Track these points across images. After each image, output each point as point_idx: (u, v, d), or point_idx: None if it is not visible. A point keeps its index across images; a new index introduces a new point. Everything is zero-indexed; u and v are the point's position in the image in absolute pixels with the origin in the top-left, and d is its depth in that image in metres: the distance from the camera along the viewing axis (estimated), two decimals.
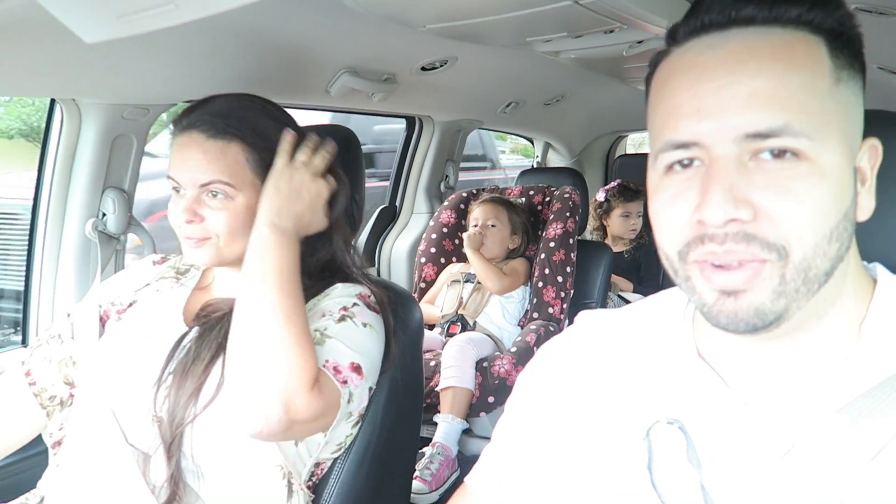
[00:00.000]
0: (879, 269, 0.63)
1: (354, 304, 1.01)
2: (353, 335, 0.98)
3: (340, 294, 1.02)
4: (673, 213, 0.56)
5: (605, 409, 0.66)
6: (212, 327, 0.99)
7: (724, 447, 0.59)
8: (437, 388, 1.95)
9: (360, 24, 1.33)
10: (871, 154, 0.60)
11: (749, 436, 0.58)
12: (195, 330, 1.00)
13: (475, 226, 2.33)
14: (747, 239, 0.52)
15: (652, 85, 0.61)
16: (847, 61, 0.56)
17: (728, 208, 0.52)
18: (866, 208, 0.59)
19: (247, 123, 1.01)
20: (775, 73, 0.53)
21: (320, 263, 1.07)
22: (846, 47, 0.56)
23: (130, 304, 1.12)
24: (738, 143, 0.53)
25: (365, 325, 1.00)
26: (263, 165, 1.01)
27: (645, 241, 2.86)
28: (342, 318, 0.98)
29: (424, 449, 1.85)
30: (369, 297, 1.04)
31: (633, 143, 4.13)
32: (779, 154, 0.52)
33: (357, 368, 0.96)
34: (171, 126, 1.04)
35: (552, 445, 0.69)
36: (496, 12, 1.11)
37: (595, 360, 0.70)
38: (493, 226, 2.31)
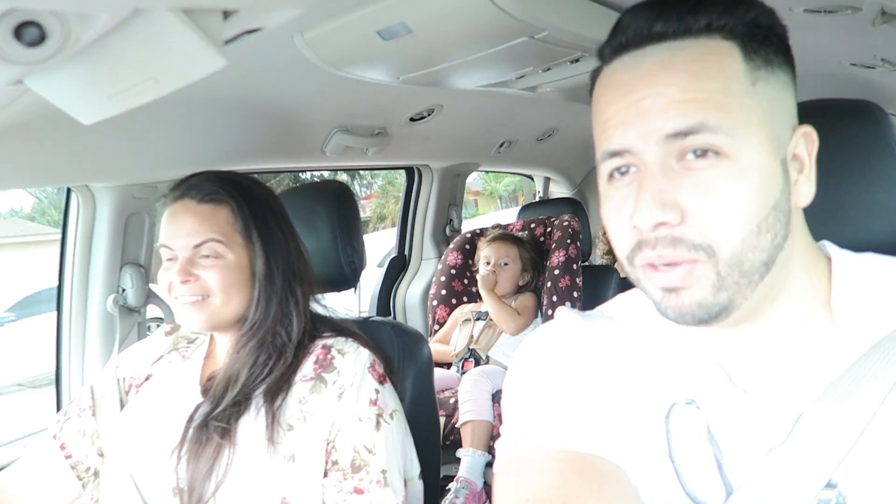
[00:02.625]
0: (829, 247, 0.67)
1: (376, 391, 1.04)
2: (393, 443, 1.03)
3: (352, 371, 1.04)
4: (617, 223, 0.61)
5: (610, 394, 0.66)
6: (217, 402, 1.03)
7: (728, 431, 0.61)
8: (457, 425, 1.98)
9: (344, 85, 1.42)
10: (806, 141, 0.62)
11: (751, 422, 0.60)
12: (205, 406, 1.04)
13: (487, 264, 2.36)
14: (674, 243, 0.57)
15: (592, 99, 0.66)
16: (764, 61, 0.59)
17: (655, 213, 0.56)
18: (806, 194, 0.62)
19: (235, 187, 1.10)
20: (689, 83, 0.57)
21: (299, 328, 1.09)
22: (762, 47, 0.59)
23: (147, 378, 1.17)
24: (661, 144, 0.57)
25: (392, 414, 1.05)
26: (250, 225, 1.08)
27: None
28: (378, 423, 1.02)
29: (450, 485, 1.86)
30: (375, 364, 1.07)
31: None
32: (702, 154, 0.56)
33: (404, 483, 1.04)
34: (164, 199, 1.12)
35: (561, 428, 0.66)
36: (461, 56, 1.20)
37: (590, 348, 0.70)
38: (505, 264, 2.33)
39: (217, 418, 1.00)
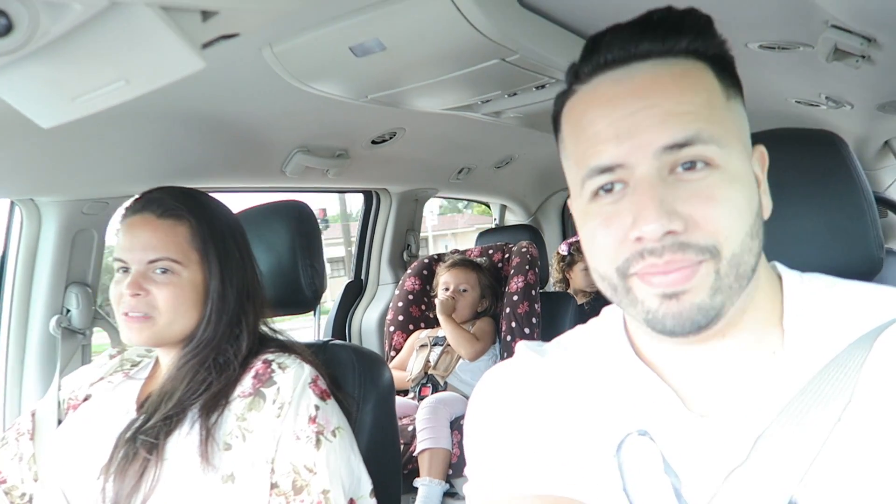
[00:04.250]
0: (780, 267, 0.69)
1: (317, 407, 1.01)
2: (336, 462, 0.99)
3: (291, 386, 1.01)
4: (608, 236, 0.60)
5: (566, 431, 0.66)
6: (148, 417, 1.00)
7: (686, 457, 0.61)
8: (415, 454, 1.94)
9: (309, 103, 1.40)
10: (760, 159, 0.66)
11: (708, 446, 0.61)
12: (138, 421, 1.01)
13: (446, 289, 2.35)
14: (683, 248, 0.57)
15: (564, 121, 0.66)
16: (730, 81, 0.63)
17: (663, 221, 0.56)
18: (767, 208, 0.65)
19: (196, 203, 1.09)
20: (680, 96, 0.59)
21: (246, 347, 1.08)
22: (726, 70, 0.63)
23: (86, 399, 1.14)
24: (657, 156, 0.57)
25: (335, 431, 1.02)
26: (208, 244, 1.07)
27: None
28: (318, 441, 0.98)
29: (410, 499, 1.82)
30: (318, 380, 1.05)
31: None
32: (691, 166, 0.58)
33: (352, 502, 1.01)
34: (125, 211, 1.10)
35: (526, 472, 0.67)
36: (432, 76, 1.19)
37: (546, 386, 0.70)
38: (464, 290, 2.33)
39: (145, 433, 0.97)
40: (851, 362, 0.59)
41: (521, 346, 0.76)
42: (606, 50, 0.62)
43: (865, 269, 0.78)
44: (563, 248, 3.05)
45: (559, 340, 0.77)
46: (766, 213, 0.65)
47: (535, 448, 0.66)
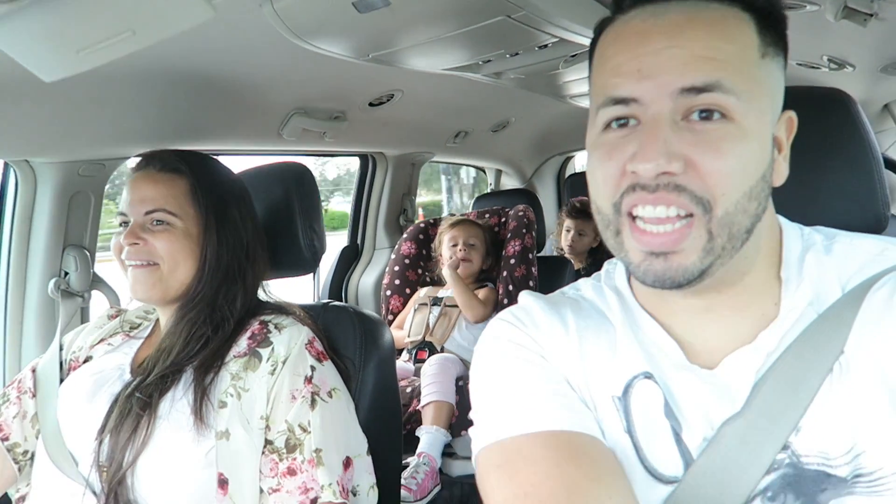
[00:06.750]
0: (781, 219, 0.69)
1: (313, 368, 1.02)
2: (331, 422, 1.00)
3: (287, 346, 1.02)
4: (608, 167, 0.60)
5: (572, 373, 0.67)
6: (146, 376, 1.02)
7: (688, 404, 0.62)
8: (419, 408, 1.96)
9: (307, 62, 1.38)
10: (787, 125, 0.65)
11: (709, 395, 0.62)
12: (136, 381, 1.02)
13: (454, 245, 2.35)
14: (678, 190, 0.57)
15: (597, 49, 0.65)
16: (773, 39, 0.61)
17: (661, 161, 0.56)
18: (782, 174, 0.64)
19: (196, 161, 1.11)
20: (710, 41, 0.58)
21: (242, 307, 1.09)
22: (772, 27, 0.61)
23: (86, 360, 1.15)
24: (674, 98, 0.57)
25: (331, 392, 1.03)
26: (205, 201, 1.08)
27: (601, 258, 2.93)
28: (313, 401, 1.00)
29: (409, 459, 1.83)
30: (314, 342, 1.07)
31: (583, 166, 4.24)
32: (707, 116, 0.57)
33: (347, 462, 1.01)
34: (130, 173, 1.12)
35: (533, 412, 0.66)
36: (436, 33, 1.17)
37: (551, 330, 0.70)
38: (473, 244, 2.34)
39: (141, 391, 0.99)
40: (845, 313, 0.60)
41: (525, 294, 0.76)
42: None
43: (872, 228, 0.78)
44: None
45: (562, 290, 0.77)
46: (780, 181, 0.64)
47: (542, 389, 0.66)
